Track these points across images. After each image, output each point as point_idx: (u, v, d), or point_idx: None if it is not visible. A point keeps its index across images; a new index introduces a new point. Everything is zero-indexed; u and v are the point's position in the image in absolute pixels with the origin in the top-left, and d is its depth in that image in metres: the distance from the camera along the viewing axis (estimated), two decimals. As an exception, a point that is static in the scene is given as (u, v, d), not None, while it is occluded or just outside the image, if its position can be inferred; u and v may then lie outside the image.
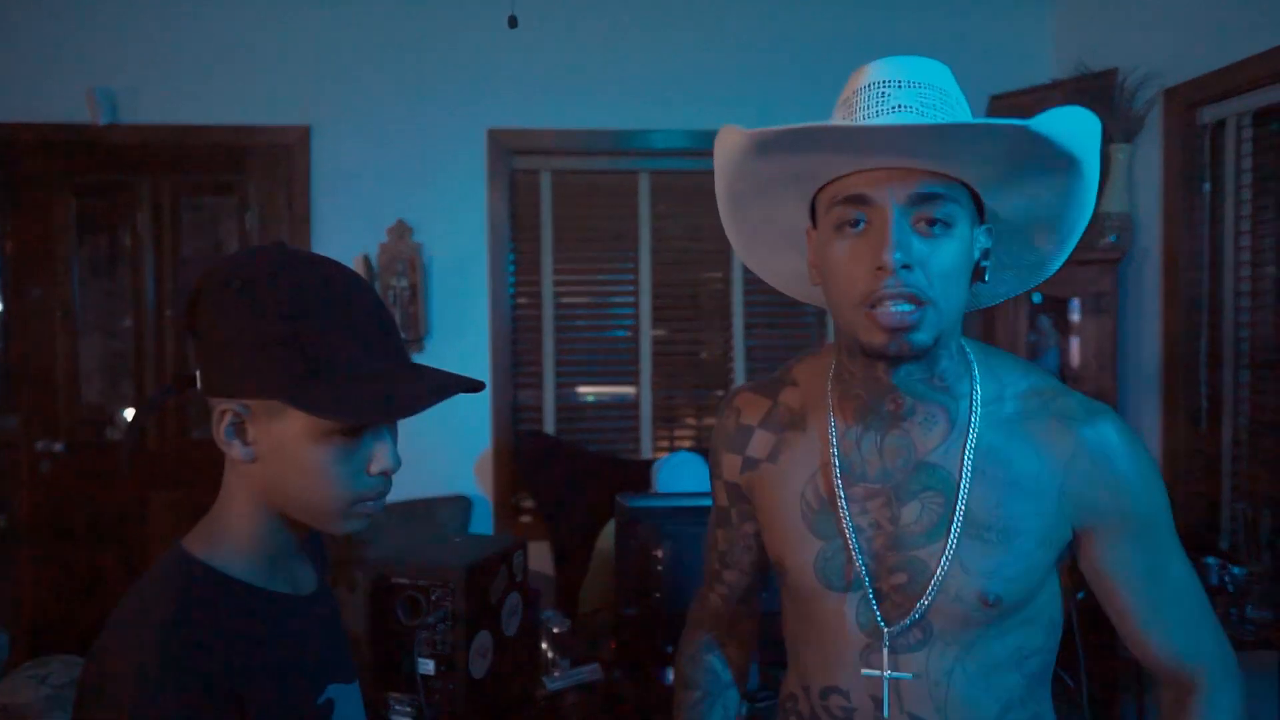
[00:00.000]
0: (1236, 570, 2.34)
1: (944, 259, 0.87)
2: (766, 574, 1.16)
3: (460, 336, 3.35)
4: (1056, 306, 3.12)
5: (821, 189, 0.93)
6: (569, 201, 3.49)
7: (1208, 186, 2.82)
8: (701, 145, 3.41)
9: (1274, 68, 2.50)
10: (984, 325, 3.11)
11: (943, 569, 0.93)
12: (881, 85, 0.88)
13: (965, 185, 0.89)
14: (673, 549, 1.87)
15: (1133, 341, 3.06)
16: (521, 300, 3.48)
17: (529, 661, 1.88)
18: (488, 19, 3.22)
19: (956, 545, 0.92)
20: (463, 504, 3.26)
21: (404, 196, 3.32)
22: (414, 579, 1.62)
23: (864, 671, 0.96)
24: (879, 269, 0.86)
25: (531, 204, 3.46)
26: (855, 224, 0.88)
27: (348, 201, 3.30)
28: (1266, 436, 2.64)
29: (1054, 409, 0.95)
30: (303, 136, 3.24)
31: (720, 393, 3.57)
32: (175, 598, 0.79)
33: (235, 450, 0.83)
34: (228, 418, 0.82)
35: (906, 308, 0.86)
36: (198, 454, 3.23)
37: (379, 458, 0.85)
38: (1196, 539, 2.64)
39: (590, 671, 1.93)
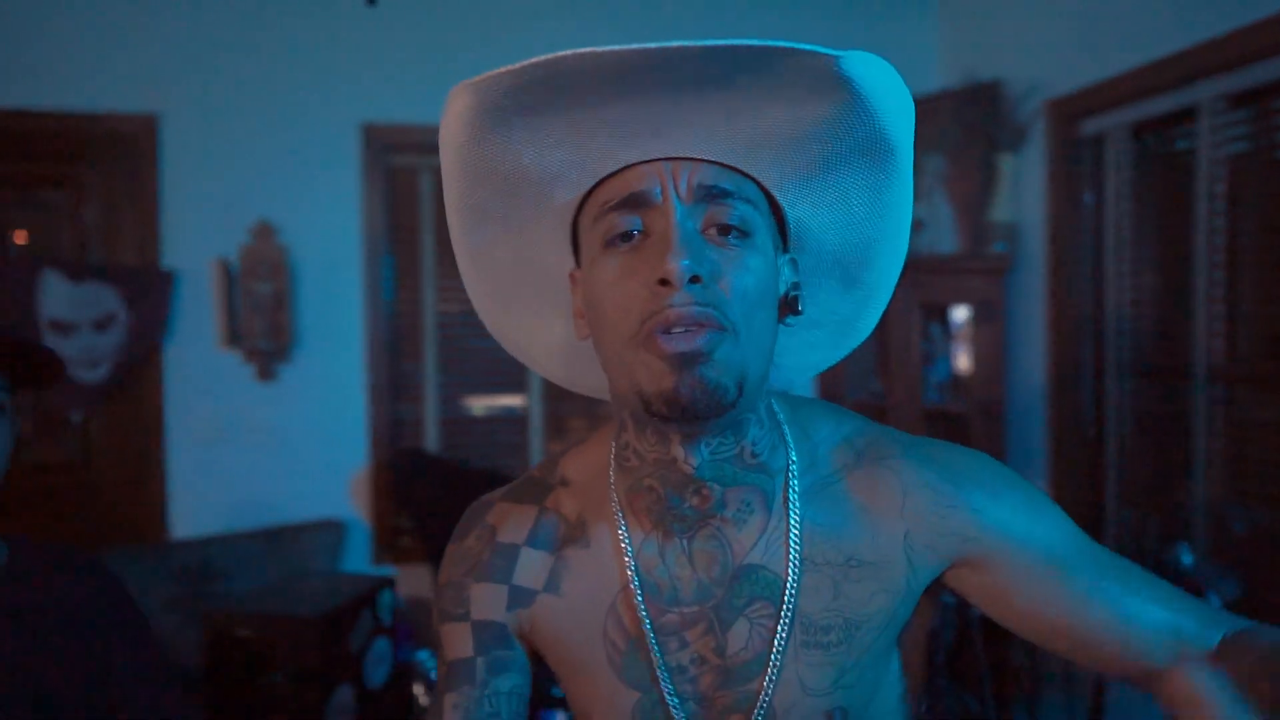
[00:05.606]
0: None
1: (744, 275, 0.68)
2: None
3: (332, 346, 3.10)
4: (945, 314, 3.13)
5: (585, 202, 0.74)
6: (451, 203, 3.28)
7: (1090, 198, 2.86)
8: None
9: (1149, 82, 2.55)
10: (878, 333, 3.08)
11: (782, 700, 0.75)
12: None
13: (763, 191, 0.73)
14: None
15: (1020, 349, 3.09)
16: (401, 308, 3.25)
17: (401, 713, 1.69)
18: (358, 1, 2.99)
19: (795, 663, 0.75)
20: (335, 529, 3.00)
21: (268, 195, 3.04)
22: (259, 630, 1.41)
23: None
24: (661, 283, 0.66)
25: (410, 205, 3.24)
26: (629, 235, 0.69)
27: (203, 199, 3.00)
28: (1149, 444, 2.69)
29: (868, 455, 0.79)
30: (149, 125, 2.92)
31: (613, 404, 3.43)
32: None
33: None
34: None
35: (701, 340, 0.66)
36: None
37: None
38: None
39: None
